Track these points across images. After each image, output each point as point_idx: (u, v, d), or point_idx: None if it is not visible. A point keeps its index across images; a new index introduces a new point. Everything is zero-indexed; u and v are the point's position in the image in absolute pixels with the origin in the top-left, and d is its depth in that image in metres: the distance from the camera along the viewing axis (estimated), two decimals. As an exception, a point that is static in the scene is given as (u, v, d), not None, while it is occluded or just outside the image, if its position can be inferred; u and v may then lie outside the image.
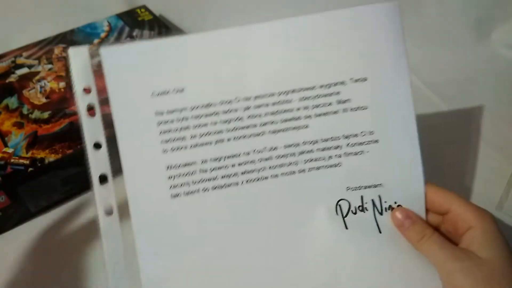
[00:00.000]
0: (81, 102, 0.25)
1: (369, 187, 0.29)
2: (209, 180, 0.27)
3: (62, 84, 0.46)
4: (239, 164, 0.27)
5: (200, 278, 0.28)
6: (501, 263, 0.26)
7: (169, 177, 0.27)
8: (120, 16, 0.55)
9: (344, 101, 0.28)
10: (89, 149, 0.26)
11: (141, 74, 0.26)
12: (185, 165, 0.27)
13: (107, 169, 0.26)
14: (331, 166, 0.28)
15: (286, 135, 0.28)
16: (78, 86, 0.25)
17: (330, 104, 0.28)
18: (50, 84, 0.46)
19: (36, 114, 0.43)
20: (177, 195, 0.27)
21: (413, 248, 0.29)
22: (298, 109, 0.27)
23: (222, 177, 0.27)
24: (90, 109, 0.25)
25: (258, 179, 0.28)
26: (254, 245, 0.28)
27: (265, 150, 0.28)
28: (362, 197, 0.29)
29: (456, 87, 0.53)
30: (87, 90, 0.25)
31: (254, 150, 0.27)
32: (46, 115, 0.43)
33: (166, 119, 0.26)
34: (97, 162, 0.26)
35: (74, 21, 0.54)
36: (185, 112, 0.27)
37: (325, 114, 0.28)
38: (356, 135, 0.28)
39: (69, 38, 0.52)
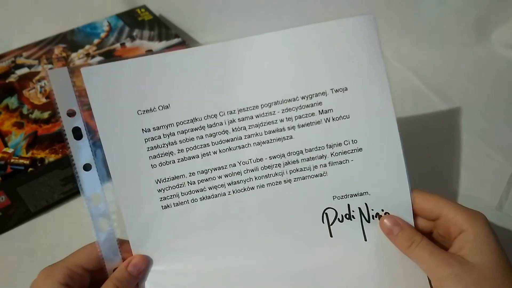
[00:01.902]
0: (67, 126, 0.25)
1: (356, 195, 0.29)
2: (197, 191, 0.28)
3: (62, 84, 0.46)
4: (225, 176, 0.28)
5: (191, 283, 0.29)
6: (491, 268, 0.25)
7: (159, 190, 0.28)
8: (120, 16, 0.55)
9: (326, 111, 0.28)
10: (79, 172, 0.27)
11: (125, 92, 0.27)
12: (174, 178, 0.28)
13: (99, 189, 0.27)
14: (316, 175, 0.29)
15: (271, 146, 0.28)
16: (61, 110, 0.26)
17: (312, 114, 0.28)
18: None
19: (36, 114, 0.43)
20: (167, 206, 0.28)
21: (401, 256, 0.28)
22: (282, 120, 0.28)
23: (209, 188, 0.28)
24: (76, 132, 0.26)
25: (244, 190, 0.29)
26: (241, 254, 0.29)
27: (251, 161, 0.28)
28: (348, 205, 0.29)
29: (456, 87, 0.53)
30: (71, 114, 0.26)
31: (240, 162, 0.28)
32: (46, 115, 0.43)
33: (153, 135, 0.28)
34: (88, 184, 0.27)
35: (74, 21, 0.54)
36: (171, 128, 0.28)
37: (308, 124, 0.28)
38: (340, 144, 0.29)
39: (69, 38, 0.52)
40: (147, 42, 0.52)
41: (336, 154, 0.29)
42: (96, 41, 0.52)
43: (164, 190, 0.28)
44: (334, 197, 0.29)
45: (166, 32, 0.53)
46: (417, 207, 0.30)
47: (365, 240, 0.29)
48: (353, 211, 0.29)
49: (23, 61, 0.49)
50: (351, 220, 0.29)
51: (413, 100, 0.51)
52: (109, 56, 0.50)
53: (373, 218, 0.29)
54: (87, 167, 0.27)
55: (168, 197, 0.28)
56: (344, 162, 0.29)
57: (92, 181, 0.27)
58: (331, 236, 0.29)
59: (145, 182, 0.28)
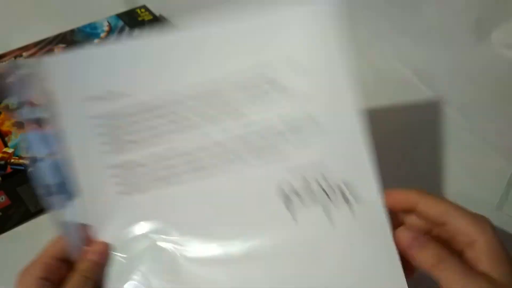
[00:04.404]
0: (27, 115, 0.26)
1: (311, 166, 0.28)
2: (149, 174, 0.28)
3: (62, 84, 0.46)
4: (176, 157, 0.28)
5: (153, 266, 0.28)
6: (510, 281, 0.25)
7: (113, 175, 0.28)
8: (120, 16, 0.55)
9: (277, 82, 0.28)
10: (34, 160, 0.27)
11: (74, 81, 0.28)
12: (126, 163, 0.28)
13: (58, 178, 0.28)
14: (271, 150, 0.28)
15: (222, 123, 0.28)
16: (20, 97, 0.26)
17: (263, 89, 0.28)
18: (50, 84, 0.46)
19: (36, 114, 0.43)
20: (122, 192, 0.28)
21: (367, 238, 0.27)
22: (230, 96, 0.28)
23: (162, 171, 0.28)
24: (37, 122, 0.26)
25: (196, 170, 0.28)
26: (198, 237, 0.28)
27: (201, 140, 0.28)
28: (305, 178, 0.28)
29: (456, 87, 0.53)
30: (31, 103, 0.26)
31: (191, 141, 0.28)
32: (46, 115, 0.43)
33: (103, 122, 0.28)
34: (45, 173, 0.28)
35: (74, 21, 0.54)
36: (120, 114, 0.28)
37: (259, 99, 0.28)
38: (293, 116, 0.28)
39: (69, 38, 0.52)
40: (147, 42, 0.52)
41: (290, 127, 0.28)
42: (96, 41, 0.52)
43: (118, 176, 0.28)
44: (290, 170, 0.28)
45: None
46: (422, 212, 0.28)
47: (331, 225, 0.28)
48: (310, 183, 0.28)
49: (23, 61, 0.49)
50: (309, 193, 0.28)
51: (413, 100, 0.51)
52: (109, 56, 0.50)
53: (332, 188, 0.28)
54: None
55: (121, 183, 0.28)
56: (298, 133, 0.28)
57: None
58: (288, 211, 0.28)
59: (99, 168, 0.28)
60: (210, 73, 0.28)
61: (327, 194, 0.28)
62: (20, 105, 0.26)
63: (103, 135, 0.28)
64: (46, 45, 0.51)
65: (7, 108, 0.43)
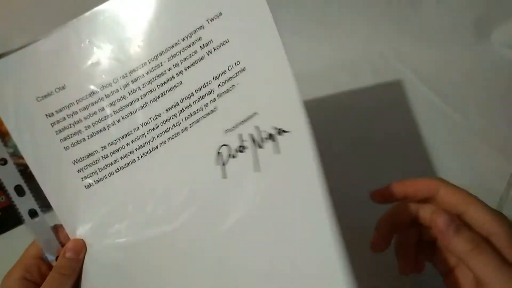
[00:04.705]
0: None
1: (245, 121, 0.27)
2: (111, 164, 0.28)
3: (62, 84, 0.46)
4: (132, 141, 0.28)
5: (128, 255, 0.28)
6: None
7: (78, 170, 0.28)
8: (120, 16, 0.55)
9: (207, 44, 0.28)
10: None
11: (20, 82, 0.28)
12: (88, 155, 0.28)
13: (19, 181, 0.28)
14: (208, 113, 0.28)
15: (165, 98, 0.28)
16: None
17: (195, 52, 0.28)
18: (50, 84, 0.46)
19: (36, 114, 0.43)
20: (90, 185, 0.28)
21: (297, 187, 0.26)
22: (170, 69, 0.28)
23: (121, 158, 0.28)
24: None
25: (150, 151, 0.28)
26: (161, 217, 0.28)
27: (151, 120, 0.28)
28: (240, 136, 0.27)
29: (456, 87, 0.53)
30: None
31: (142, 123, 0.28)
32: (46, 115, 0.43)
33: (57, 118, 0.28)
34: (8, 177, 0.28)
35: (74, 21, 0.54)
36: (72, 107, 0.28)
37: (193, 64, 0.28)
38: (224, 72, 0.28)
39: (69, 38, 0.52)
40: (147, 42, 0.51)
41: (223, 84, 0.28)
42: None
43: (82, 170, 0.28)
44: (226, 130, 0.27)
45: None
46: (440, 199, 0.28)
47: (258, 170, 0.27)
48: (245, 141, 0.27)
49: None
50: (243, 152, 0.27)
51: (413, 100, 0.51)
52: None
53: (265, 141, 0.27)
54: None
55: (88, 176, 0.28)
56: (231, 89, 0.28)
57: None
58: (225, 177, 0.27)
59: (63, 166, 0.28)
60: (148, 52, 0.28)
61: (259, 146, 0.27)
62: None
63: (61, 131, 0.28)
64: (46, 45, 0.51)
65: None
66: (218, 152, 0.28)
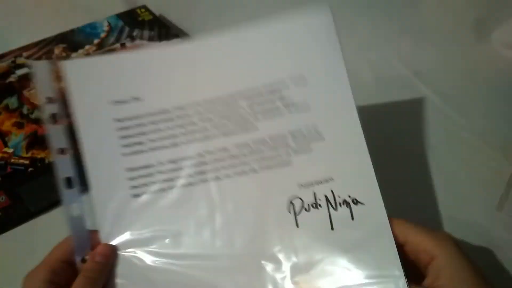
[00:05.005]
0: (45, 111, 0.27)
1: (321, 182, 0.29)
2: (166, 181, 0.29)
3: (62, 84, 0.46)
4: (193, 165, 0.29)
5: (161, 265, 0.28)
6: None
7: (130, 178, 0.29)
8: (120, 16, 0.55)
9: (287, 102, 0.29)
10: (54, 155, 0.27)
11: (100, 85, 0.29)
12: (144, 167, 0.29)
13: (71, 173, 0.28)
14: (281, 164, 0.29)
15: (237, 136, 0.29)
16: (41, 97, 0.27)
17: (275, 105, 0.29)
18: (50, 84, 0.46)
19: (36, 114, 0.43)
20: (137, 195, 0.29)
21: (365, 243, 0.27)
22: (245, 110, 0.29)
23: (178, 178, 0.29)
24: (54, 118, 0.27)
25: (212, 180, 0.29)
26: (207, 243, 0.29)
27: (217, 151, 0.29)
28: (315, 194, 0.29)
29: (456, 87, 0.53)
30: (50, 100, 0.27)
31: (207, 152, 0.29)
32: (46, 115, 0.43)
33: (125, 125, 0.29)
34: (63, 167, 0.28)
35: (74, 21, 0.54)
36: (142, 119, 0.29)
37: (270, 114, 0.29)
38: (302, 133, 0.29)
39: (69, 38, 0.52)
40: (147, 42, 0.52)
41: (299, 142, 0.29)
42: (96, 41, 0.52)
43: (134, 179, 0.29)
44: (300, 185, 0.29)
45: (166, 32, 0.53)
46: None
47: (332, 229, 0.28)
48: (319, 199, 0.28)
49: (23, 61, 0.49)
50: (317, 209, 0.28)
51: (413, 100, 0.51)
52: (109, 56, 0.50)
53: (340, 206, 0.28)
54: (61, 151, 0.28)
55: (138, 186, 0.29)
56: (307, 150, 0.29)
57: (66, 165, 0.28)
58: (297, 226, 0.28)
59: (116, 170, 0.29)
60: (228, 87, 0.30)
61: (333, 207, 0.29)
62: (42, 102, 0.27)
63: (125, 137, 0.29)
64: (46, 45, 0.51)
65: (7, 108, 0.43)
66: (291, 202, 0.29)
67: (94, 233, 0.29)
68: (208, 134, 0.29)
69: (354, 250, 0.27)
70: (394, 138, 0.47)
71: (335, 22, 0.30)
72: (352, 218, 0.28)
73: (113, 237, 0.29)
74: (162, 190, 0.29)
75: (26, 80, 0.47)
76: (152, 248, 0.28)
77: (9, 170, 0.38)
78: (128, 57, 0.30)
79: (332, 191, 0.29)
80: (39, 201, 0.40)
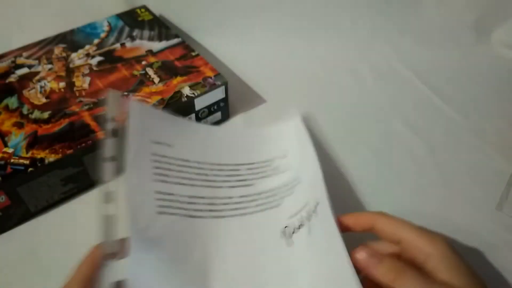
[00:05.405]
0: (108, 126, 0.32)
1: (302, 209, 0.36)
2: (183, 209, 0.36)
3: (62, 84, 0.46)
4: (204, 204, 0.37)
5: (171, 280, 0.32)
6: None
7: (157, 199, 0.35)
8: (120, 16, 0.55)
9: (275, 168, 0.41)
10: (104, 162, 0.31)
11: (149, 127, 0.37)
12: (168, 194, 0.35)
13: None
14: (273, 206, 0.38)
15: (239, 189, 0.39)
16: (108, 115, 0.32)
17: (266, 171, 0.41)
18: (50, 84, 0.46)
19: (36, 114, 0.43)
20: (162, 213, 0.34)
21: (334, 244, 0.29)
22: (247, 174, 0.41)
23: (193, 210, 0.36)
24: (112, 133, 0.32)
25: (219, 217, 0.37)
26: (211, 270, 0.34)
27: (224, 197, 0.38)
28: (300, 218, 0.35)
29: (456, 87, 0.53)
30: (113, 119, 0.32)
31: (216, 196, 0.38)
32: (46, 115, 0.43)
33: (157, 159, 0.36)
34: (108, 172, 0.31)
35: (74, 21, 0.54)
36: (169, 159, 0.37)
37: (263, 176, 0.41)
38: (287, 184, 0.39)
39: (69, 38, 0.52)
40: (147, 42, 0.52)
41: (286, 190, 0.39)
42: (96, 41, 0.52)
43: (160, 200, 0.35)
44: (290, 216, 0.36)
45: (166, 32, 0.53)
46: (379, 230, 0.30)
47: (310, 233, 0.33)
48: (302, 220, 0.35)
49: (23, 61, 0.49)
50: (301, 227, 0.35)
51: (413, 100, 0.51)
52: (109, 56, 0.50)
53: (313, 213, 0.34)
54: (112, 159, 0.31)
55: (163, 206, 0.35)
56: (292, 193, 0.38)
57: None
58: (290, 245, 0.35)
59: (148, 190, 0.34)
60: (236, 159, 0.41)
61: (307, 218, 0.34)
62: (108, 119, 0.32)
63: (158, 168, 0.36)
64: (46, 45, 0.51)
65: (7, 108, 0.43)
66: (283, 231, 0.36)
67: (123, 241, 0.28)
68: (217, 184, 0.39)
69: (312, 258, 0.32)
70: (394, 138, 0.47)
71: (303, 121, 0.43)
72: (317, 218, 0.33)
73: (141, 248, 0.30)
74: (180, 215, 0.35)
75: (26, 80, 0.47)
76: (163, 270, 0.32)
77: (9, 170, 0.38)
78: (171, 118, 0.40)
79: (308, 209, 0.35)
80: (39, 201, 0.40)
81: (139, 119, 0.36)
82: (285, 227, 0.36)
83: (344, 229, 0.31)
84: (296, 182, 0.39)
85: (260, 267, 0.34)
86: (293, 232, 0.35)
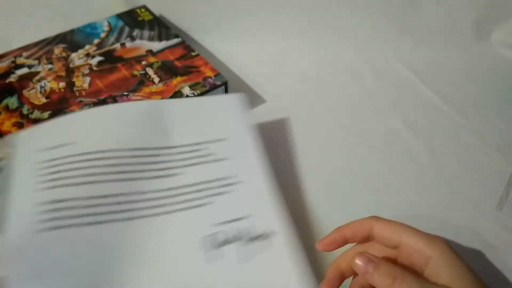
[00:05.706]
0: None
1: (236, 220, 0.31)
2: (78, 216, 0.29)
3: (62, 84, 0.46)
4: (107, 204, 0.30)
5: None
6: None
7: (41, 212, 0.29)
8: (120, 16, 0.55)
9: (211, 154, 0.34)
10: None
11: (34, 140, 0.33)
12: (59, 201, 0.29)
13: None
14: (199, 206, 0.31)
15: (154, 181, 0.31)
16: None
17: (192, 157, 0.34)
18: (50, 84, 0.46)
19: (36, 114, 0.43)
20: (48, 229, 0.28)
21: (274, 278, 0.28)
22: (167, 161, 0.33)
23: (91, 215, 0.29)
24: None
25: (126, 219, 0.30)
26: (121, 277, 0.28)
27: (136, 193, 0.31)
28: (228, 231, 0.30)
29: (456, 87, 0.53)
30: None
31: (123, 193, 0.30)
32: (46, 115, 0.43)
33: (55, 164, 0.31)
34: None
35: (74, 21, 0.54)
36: (72, 158, 0.31)
37: (188, 165, 0.33)
38: (220, 179, 0.33)
39: (69, 38, 0.52)
40: (147, 42, 0.52)
41: (219, 186, 0.33)
42: (96, 41, 0.52)
43: (46, 213, 0.29)
44: (215, 224, 0.30)
45: (166, 32, 0.53)
46: (376, 235, 0.29)
47: (241, 263, 0.29)
48: (233, 236, 0.30)
49: (23, 61, 0.49)
50: (229, 244, 0.30)
51: (413, 100, 0.51)
52: (109, 56, 0.50)
53: (251, 241, 0.30)
54: None
55: (49, 219, 0.29)
56: (228, 192, 0.32)
57: None
58: (208, 262, 0.29)
59: (27, 203, 0.29)
60: (151, 142, 0.33)
61: (243, 239, 0.30)
62: None
63: (40, 175, 0.30)
64: (46, 45, 0.51)
65: (7, 108, 0.43)
66: (203, 241, 0.30)
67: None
68: (127, 177, 0.31)
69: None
70: (394, 138, 0.47)
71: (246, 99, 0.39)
72: (264, 252, 0.29)
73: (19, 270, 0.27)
74: (74, 225, 0.29)
75: (26, 80, 0.47)
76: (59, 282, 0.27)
77: (9, 170, 0.37)
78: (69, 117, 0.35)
79: (246, 228, 0.30)
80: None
81: (24, 141, 0.33)
82: (207, 235, 0.29)
83: (342, 243, 0.30)
84: (235, 180, 0.33)
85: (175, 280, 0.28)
86: (218, 246, 0.29)
